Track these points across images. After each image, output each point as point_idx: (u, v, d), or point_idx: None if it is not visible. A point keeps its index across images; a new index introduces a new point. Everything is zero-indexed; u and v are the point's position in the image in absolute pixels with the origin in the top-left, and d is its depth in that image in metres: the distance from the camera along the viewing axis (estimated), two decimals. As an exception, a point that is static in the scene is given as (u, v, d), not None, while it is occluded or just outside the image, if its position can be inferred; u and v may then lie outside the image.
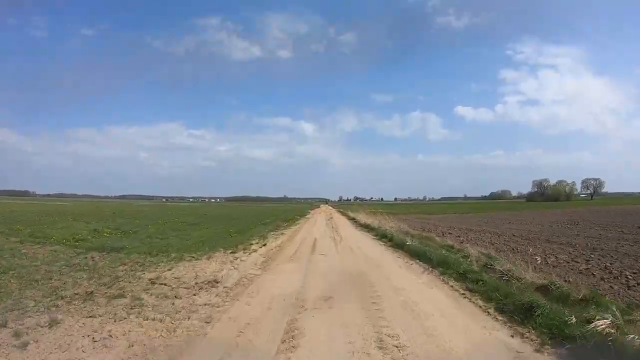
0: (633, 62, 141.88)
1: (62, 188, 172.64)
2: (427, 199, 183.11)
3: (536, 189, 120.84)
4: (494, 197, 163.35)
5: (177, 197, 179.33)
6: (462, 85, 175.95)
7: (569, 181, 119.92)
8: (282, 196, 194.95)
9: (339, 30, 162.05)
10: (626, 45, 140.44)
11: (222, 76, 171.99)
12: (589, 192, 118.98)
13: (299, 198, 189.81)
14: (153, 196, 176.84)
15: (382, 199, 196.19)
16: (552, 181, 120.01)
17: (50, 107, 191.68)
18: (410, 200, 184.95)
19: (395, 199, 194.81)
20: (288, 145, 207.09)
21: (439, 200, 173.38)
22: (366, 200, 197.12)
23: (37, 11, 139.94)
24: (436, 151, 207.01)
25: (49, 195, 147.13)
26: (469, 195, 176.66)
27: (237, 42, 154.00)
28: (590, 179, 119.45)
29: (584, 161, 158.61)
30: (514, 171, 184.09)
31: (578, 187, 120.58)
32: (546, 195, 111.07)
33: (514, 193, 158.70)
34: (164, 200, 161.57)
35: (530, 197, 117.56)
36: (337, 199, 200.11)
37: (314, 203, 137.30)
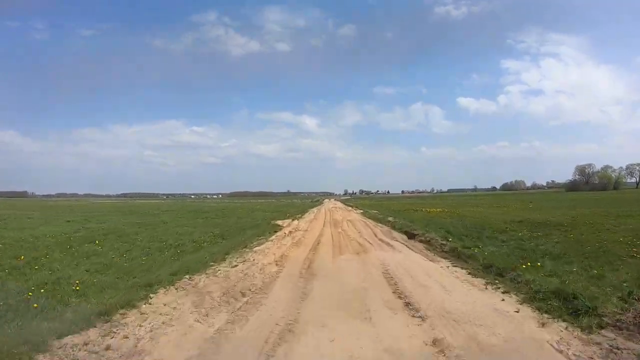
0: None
1: (63, 188, 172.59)
2: (435, 191, 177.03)
3: (578, 176, 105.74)
4: (506, 188, 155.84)
5: (178, 194, 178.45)
6: (464, 76, 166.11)
7: (615, 167, 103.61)
8: (286, 191, 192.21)
9: (338, 24, 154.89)
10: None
11: (223, 72, 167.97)
12: (633, 180, 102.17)
13: (303, 192, 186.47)
14: (157, 194, 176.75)
15: (388, 192, 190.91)
16: (597, 167, 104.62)
17: (51, 108, 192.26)
18: (418, 193, 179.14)
19: (403, 191, 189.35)
20: (291, 140, 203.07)
21: (447, 192, 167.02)
22: (372, 193, 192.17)
23: (36, 13, 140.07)
24: (440, 143, 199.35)
25: (49, 195, 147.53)
26: (479, 187, 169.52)
27: (235, 38, 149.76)
28: (635, 165, 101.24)
29: (594, 151, 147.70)
30: (521, 162, 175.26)
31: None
32: (592, 184, 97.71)
33: (528, 184, 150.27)
34: (165, 198, 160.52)
35: (572, 186, 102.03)
36: (342, 192, 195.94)
37: (315, 198, 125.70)
